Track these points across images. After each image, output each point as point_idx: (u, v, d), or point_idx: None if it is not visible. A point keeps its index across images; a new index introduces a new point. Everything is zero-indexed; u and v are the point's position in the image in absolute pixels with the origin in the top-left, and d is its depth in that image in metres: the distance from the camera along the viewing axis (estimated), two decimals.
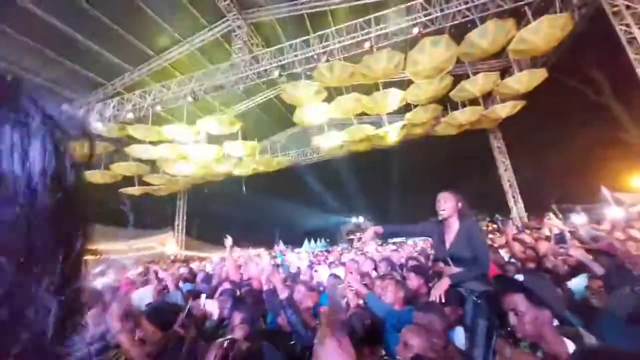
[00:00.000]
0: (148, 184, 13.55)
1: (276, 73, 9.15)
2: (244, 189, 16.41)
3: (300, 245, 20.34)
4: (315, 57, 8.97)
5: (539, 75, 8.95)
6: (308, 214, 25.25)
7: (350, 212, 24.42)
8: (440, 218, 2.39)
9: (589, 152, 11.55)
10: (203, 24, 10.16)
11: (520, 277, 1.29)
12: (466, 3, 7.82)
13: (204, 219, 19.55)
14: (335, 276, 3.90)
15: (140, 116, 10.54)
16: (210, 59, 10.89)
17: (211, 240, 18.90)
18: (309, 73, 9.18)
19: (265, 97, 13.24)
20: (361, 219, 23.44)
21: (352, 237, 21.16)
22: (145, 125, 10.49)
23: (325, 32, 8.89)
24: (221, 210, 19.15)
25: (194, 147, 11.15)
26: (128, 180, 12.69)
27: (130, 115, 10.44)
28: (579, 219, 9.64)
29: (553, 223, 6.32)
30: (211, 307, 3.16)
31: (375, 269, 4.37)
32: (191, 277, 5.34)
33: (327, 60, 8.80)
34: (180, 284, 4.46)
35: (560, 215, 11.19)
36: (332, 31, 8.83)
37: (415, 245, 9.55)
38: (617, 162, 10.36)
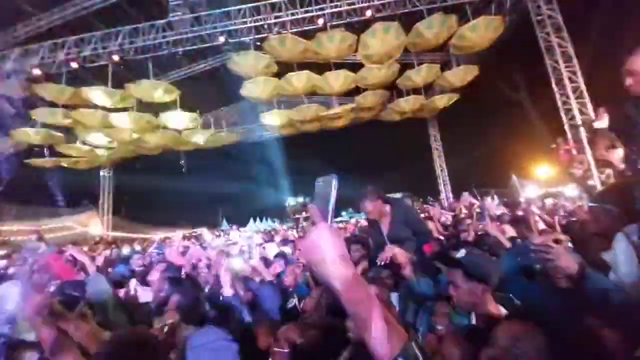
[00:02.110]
0: (63, 156, 11.62)
1: (222, 39, 8.39)
2: (184, 164, 15.18)
3: (245, 224, 19.90)
4: (265, 27, 8.42)
5: (472, 71, 9.86)
6: (254, 193, 24.67)
7: (297, 191, 24.56)
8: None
9: (506, 144, 13.33)
10: None
11: (462, 252, 1.41)
12: None
13: (135, 197, 17.68)
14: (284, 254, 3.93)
15: (50, 73, 8.80)
16: (143, 13, 9.44)
17: (144, 220, 17.27)
18: (258, 44, 8.61)
19: (209, 65, 12.11)
20: (307, 199, 23.78)
21: (298, 216, 21.42)
22: (58, 84, 8.81)
23: (277, 1, 8.35)
24: (156, 188, 17.50)
25: (120, 115, 9.74)
26: (37, 151, 10.71)
27: (37, 72, 8.63)
28: (493, 201, 11.19)
29: (466, 200, 7.25)
30: (144, 291, 2.90)
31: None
32: (119, 260, 4.84)
33: (279, 32, 8.35)
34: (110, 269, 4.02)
35: (479, 198, 12.86)
36: (284, 1, 8.33)
37: (358, 223, 10.08)
38: (526, 154, 12.18)
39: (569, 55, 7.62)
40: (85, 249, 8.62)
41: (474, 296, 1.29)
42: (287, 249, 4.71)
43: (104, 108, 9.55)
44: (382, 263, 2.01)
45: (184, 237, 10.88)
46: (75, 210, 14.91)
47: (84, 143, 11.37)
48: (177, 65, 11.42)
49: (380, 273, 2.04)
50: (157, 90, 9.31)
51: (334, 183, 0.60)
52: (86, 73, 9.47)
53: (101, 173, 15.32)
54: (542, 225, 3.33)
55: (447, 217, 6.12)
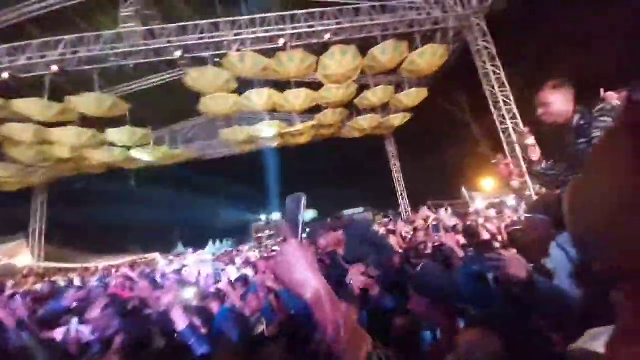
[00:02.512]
0: None
1: (178, 54, 8.13)
2: (134, 184, 14.04)
3: (203, 246, 18.73)
4: (225, 43, 8.36)
5: (422, 93, 10.72)
6: (213, 213, 23.51)
7: (259, 210, 23.92)
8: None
9: (455, 160, 14.51)
10: None
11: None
12: (371, 20, 8.63)
13: (75, 222, 15.79)
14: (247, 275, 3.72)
15: None
16: (90, 22, 8.83)
17: (85, 247, 15.37)
18: (217, 60, 8.49)
19: (163, 80, 11.57)
20: (272, 216, 23.28)
21: (260, 235, 20.76)
22: None
23: (237, 19, 8.38)
24: (100, 210, 15.85)
25: (58, 130, 8.78)
26: None
27: None
28: (447, 213, 11.95)
29: (423, 214, 7.67)
30: (86, 330, 2.53)
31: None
32: (53, 295, 4.22)
33: (239, 50, 8.33)
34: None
35: (434, 210, 13.66)
36: (245, 20, 8.39)
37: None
38: (473, 168, 13.35)
39: (502, 81, 8.65)
40: (11, 283, 7.42)
41: (426, 307, 1.32)
42: (249, 272, 4.50)
43: (39, 122, 8.57)
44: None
45: (133, 265, 9.90)
46: (3, 239, 12.84)
47: (14, 161, 10.01)
48: (127, 78, 10.76)
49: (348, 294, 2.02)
50: (103, 104, 8.63)
51: (303, 201, 0.64)
52: (20, 85, 8.49)
53: (33, 195, 13.53)
54: (487, 235, 3.58)
55: (408, 231, 6.36)
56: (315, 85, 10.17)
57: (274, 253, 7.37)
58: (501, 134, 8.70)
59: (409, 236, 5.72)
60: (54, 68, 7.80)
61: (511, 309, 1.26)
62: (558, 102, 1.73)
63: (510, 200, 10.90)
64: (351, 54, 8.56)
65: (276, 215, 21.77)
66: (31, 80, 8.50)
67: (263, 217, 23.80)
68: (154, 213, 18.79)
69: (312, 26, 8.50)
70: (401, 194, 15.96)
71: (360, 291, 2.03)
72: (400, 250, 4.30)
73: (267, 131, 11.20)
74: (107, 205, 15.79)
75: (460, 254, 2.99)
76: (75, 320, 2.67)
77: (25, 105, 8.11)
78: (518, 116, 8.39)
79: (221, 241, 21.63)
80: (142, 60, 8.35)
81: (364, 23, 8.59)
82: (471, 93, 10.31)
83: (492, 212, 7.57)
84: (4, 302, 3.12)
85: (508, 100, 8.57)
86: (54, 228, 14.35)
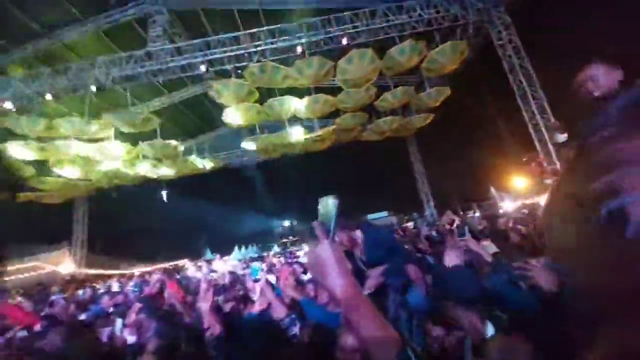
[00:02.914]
0: (33, 190, 11.05)
1: (203, 68, 8.52)
2: (165, 194, 14.76)
3: (229, 252, 19.23)
4: (246, 55, 8.65)
5: (444, 92, 10.44)
6: (238, 219, 24.11)
7: (283, 215, 24.23)
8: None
9: (482, 159, 13.90)
10: (110, 1, 8.79)
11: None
12: (388, 22, 8.58)
13: (111, 231, 16.80)
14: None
15: (22, 105, 8.56)
16: (121, 44, 9.50)
17: (120, 255, 16.29)
18: (239, 72, 8.80)
19: (190, 94, 12.17)
20: (294, 222, 23.50)
21: (284, 240, 21.00)
22: (31, 116, 8.56)
23: (256, 31, 8.66)
24: (134, 220, 16.76)
25: (98, 146, 9.48)
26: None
27: (8, 105, 8.38)
28: (474, 215, 11.47)
29: (448, 217, 7.40)
30: (128, 333, 2.68)
31: (305, 272, 4.37)
32: (90, 300, 4.51)
33: (259, 61, 8.59)
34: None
35: (461, 212, 13.16)
36: (264, 31, 8.65)
37: None
38: (501, 167, 12.72)
39: (530, 75, 8.24)
40: (56, 289, 8.03)
41: (457, 314, 1.28)
42: (272, 278, 4.56)
43: (80, 139, 9.30)
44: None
45: (165, 270, 10.34)
46: (49, 247, 13.96)
47: (58, 176, 10.90)
48: (157, 94, 11.42)
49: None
50: (137, 118, 9.20)
51: (336, 203, 0.67)
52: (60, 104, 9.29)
53: (75, 207, 14.60)
54: (516, 238, 3.41)
55: (432, 235, 6.18)
56: (335, 90, 10.24)
57: (296, 259, 7.43)
58: (531, 131, 8.26)
59: (434, 240, 5.56)
60: (93, 88, 8.43)
61: (543, 315, 1.21)
62: (605, 76, 1.61)
63: (543, 200, 10.29)
64: (369, 56, 8.54)
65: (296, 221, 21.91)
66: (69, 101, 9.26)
67: (286, 222, 24.07)
68: (182, 221, 19.59)
69: (328, 32, 8.60)
70: (425, 197, 15.54)
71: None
72: (425, 255, 4.20)
73: (288, 138, 11.38)
74: (141, 214, 16.68)
75: (488, 259, 2.87)
76: (119, 321, 2.84)
77: (67, 124, 8.84)
78: (549, 111, 7.94)
79: (246, 247, 22.12)
80: (171, 77, 8.82)
81: (381, 25, 8.56)
82: (496, 89, 9.87)
83: (523, 213, 7.19)
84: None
85: (537, 95, 8.15)
86: (94, 237, 15.37)
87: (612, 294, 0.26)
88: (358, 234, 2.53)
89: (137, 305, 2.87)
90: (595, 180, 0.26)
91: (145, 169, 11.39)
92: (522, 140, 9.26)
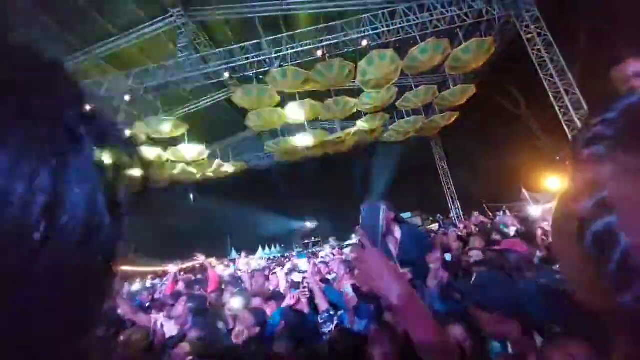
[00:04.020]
0: None
1: (226, 75, 8.83)
2: (192, 196, 15.40)
3: (254, 252, 19.68)
4: (267, 61, 8.87)
5: (470, 90, 10.08)
6: (262, 220, 24.63)
7: (305, 216, 24.44)
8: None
9: (511, 158, 13.26)
10: (142, 18, 9.35)
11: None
12: (408, 21, 8.46)
13: (144, 231, 17.70)
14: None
15: None
16: (151, 56, 10.06)
17: (153, 254, 17.14)
18: (261, 77, 9.03)
19: (214, 100, 12.64)
20: (315, 224, 23.63)
21: (307, 241, 21.16)
22: None
23: (277, 37, 8.85)
24: (162, 220, 17.63)
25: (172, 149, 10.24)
26: None
27: None
28: (504, 215, 10.94)
29: (477, 219, 7.13)
30: (168, 325, 2.84)
31: (329, 272, 4.42)
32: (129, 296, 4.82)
33: (280, 65, 8.77)
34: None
35: (490, 214, 12.61)
36: (284, 37, 8.83)
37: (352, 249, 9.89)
38: (533, 166, 12.07)
39: (562, 68, 7.77)
40: None
41: (494, 324, 1.24)
42: (297, 277, 4.64)
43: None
44: None
45: (192, 269, 10.78)
46: None
47: None
48: (184, 101, 11.96)
49: None
50: (166, 125, 9.71)
51: (383, 209, 0.65)
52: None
53: None
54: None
55: (460, 237, 6.00)
56: (355, 92, 10.22)
57: (321, 259, 7.47)
58: (565, 127, 7.79)
59: (461, 243, 5.40)
60: (126, 98, 9.00)
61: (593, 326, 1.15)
62: None
63: None
64: (389, 57, 8.45)
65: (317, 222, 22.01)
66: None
67: (308, 223, 24.25)
68: (208, 222, 20.32)
69: (348, 34, 8.61)
70: (451, 198, 15.07)
71: None
72: (451, 258, 4.09)
73: (309, 141, 11.49)
74: (170, 215, 17.52)
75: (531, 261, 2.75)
76: (162, 314, 3.01)
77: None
78: (585, 105, 7.46)
79: (269, 247, 22.54)
80: (197, 84, 9.22)
81: (401, 25, 8.45)
82: (526, 85, 9.38)
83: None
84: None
85: (571, 89, 7.67)
86: (129, 237, 16.27)
87: (606, 317, 0.26)
88: (397, 227, 2.48)
89: (183, 298, 3.02)
90: (585, 197, 0.25)
91: (174, 173, 11.97)
92: (555, 137, 8.74)
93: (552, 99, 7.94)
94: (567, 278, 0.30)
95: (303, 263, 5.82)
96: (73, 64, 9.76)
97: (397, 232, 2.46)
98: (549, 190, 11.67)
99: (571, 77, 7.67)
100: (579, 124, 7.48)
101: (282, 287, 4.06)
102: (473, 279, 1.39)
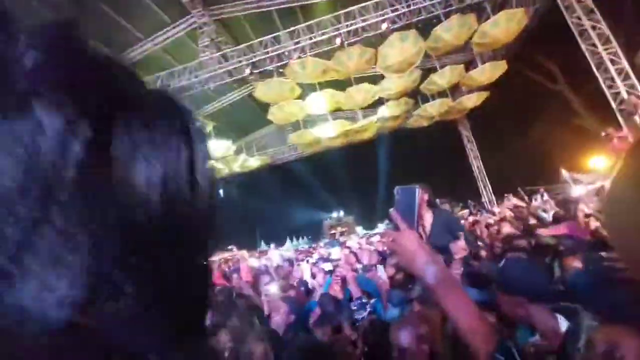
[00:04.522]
0: None
1: (247, 71, 8.97)
2: (222, 190, 15.99)
3: (282, 243, 20.18)
4: (286, 53, 8.88)
5: (500, 67, 9.45)
6: (289, 212, 25.10)
7: (331, 207, 24.58)
8: None
9: (548, 138, 12.36)
10: (166, 21, 9.68)
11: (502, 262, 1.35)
12: None
13: None
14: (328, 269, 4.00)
15: None
16: (175, 58, 10.42)
17: None
18: (281, 70, 9.07)
19: (237, 96, 12.92)
20: (342, 213, 23.68)
21: (333, 231, 21.32)
22: None
23: (295, 29, 8.81)
24: None
25: None
26: None
27: None
28: (542, 200, 10.31)
29: (510, 202, 6.79)
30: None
31: (358, 261, 4.47)
32: None
33: (299, 57, 8.75)
34: None
35: (526, 198, 11.93)
36: (302, 27, 8.76)
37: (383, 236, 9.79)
38: (573, 145, 11.20)
39: (607, 36, 7.06)
40: None
41: (518, 308, 1.23)
42: (328, 266, 4.73)
43: None
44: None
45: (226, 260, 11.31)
46: None
47: None
48: (209, 99, 12.33)
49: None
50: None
51: (418, 192, 0.66)
52: None
53: None
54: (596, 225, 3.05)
55: (492, 222, 5.77)
56: (377, 78, 9.97)
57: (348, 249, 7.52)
58: (611, 101, 7.13)
59: (494, 228, 5.21)
60: None
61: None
62: None
63: None
64: (411, 38, 8.12)
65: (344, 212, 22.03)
66: None
67: (334, 214, 24.38)
68: (237, 215, 21.07)
69: (366, 19, 8.36)
70: (482, 182, 14.43)
71: None
72: (484, 244, 3.98)
73: (332, 131, 11.45)
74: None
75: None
76: None
77: None
78: (633, 76, 6.76)
79: (297, 238, 22.98)
80: (220, 83, 9.47)
81: (424, 4, 8.05)
82: (562, 57, 8.63)
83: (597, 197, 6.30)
84: None
85: (617, 59, 6.96)
86: None
87: None
88: (430, 212, 2.46)
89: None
90: None
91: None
92: (599, 112, 8.02)
93: (595, 70, 7.27)
94: (625, 260, 0.29)
95: (336, 251, 5.92)
96: None
97: (428, 217, 2.43)
98: (593, 169, 10.82)
99: (616, 45, 6.95)
100: (625, 95, 6.82)
101: (308, 278, 4.17)
102: (501, 264, 1.36)
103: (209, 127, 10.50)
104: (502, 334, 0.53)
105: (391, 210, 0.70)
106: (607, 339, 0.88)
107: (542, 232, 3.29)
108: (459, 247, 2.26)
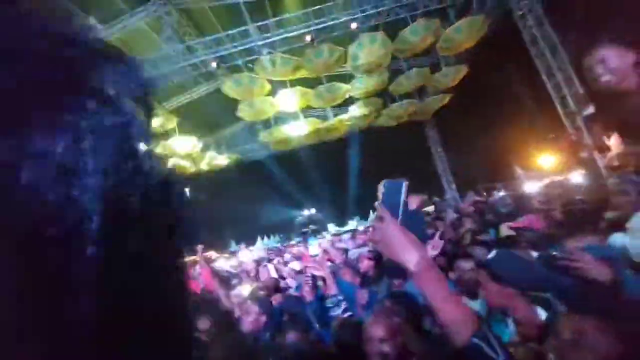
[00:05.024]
0: None
1: (214, 65, 8.62)
2: (188, 190, 15.29)
3: (253, 243, 19.76)
4: (256, 48, 8.64)
5: (462, 70, 9.99)
6: (260, 211, 24.64)
7: (302, 205, 24.51)
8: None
9: (506, 137, 13.24)
10: (123, 9, 8.99)
11: (493, 253, 1.40)
12: (398, 2, 8.24)
13: None
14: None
15: None
16: (135, 49, 9.73)
17: None
18: (250, 65, 8.83)
19: (204, 91, 12.36)
20: (313, 211, 23.72)
21: (305, 230, 21.30)
22: None
23: (265, 23, 8.60)
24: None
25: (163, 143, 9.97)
26: None
27: None
28: (499, 194, 11.06)
29: (471, 199, 7.20)
30: None
31: (330, 260, 4.47)
32: None
33: (269, 53, 8.56)
34: None
35: (485, 194, 12.74)
36: (271, 22, 8.57)
37: (367, 232, 9.96)
38: (528, 144, 12.11)
39: (555, 45, 7.69)
40: None
41: (504, 297, 1.28)
42: (296, 265, 4.70)
43: None
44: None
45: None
46: None
47: None
48: (173, 93, 11.69)
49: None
50: (156, 119, 9.52)
51: (404, 186, 0.68)
52: None
53: None
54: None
55: (454, 218, 6.06)
56: (347, 77, 10.05)
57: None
58: (557, 105, 7.79)
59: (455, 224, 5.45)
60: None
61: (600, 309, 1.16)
62: (617, 58, 1.33)
63: (576, 176, 9.71)
64: (380, 40, 8.29)
65: (315, 210, 22.12)
66: None
67: (306, 212, 24.35)
68: (207, 215, 20.25)
69: (336, 18, 8.38)
70: (447, 180, 15.17)
71: None
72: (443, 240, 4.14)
73: (303, 129, 11.39)
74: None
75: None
76: None
77: None
78: (577, 82, 7.43)
79: (269, 237, 22.66)
80: (184, 76, 9.00)
81: (390, 6, 8.24)
82: (519, 63, 9.28)
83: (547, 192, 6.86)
84: None
85: (564, 66, 7.61)
86: None
87: None
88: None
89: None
90: None
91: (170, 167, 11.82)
92: (550, 115, 8.73)
93: (543, 76, 7.90)
94: None
95: (314, 248, 5.87)
96: None
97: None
98: (542, 167, 11.80)
99: (564, 54, 7.59)
100: (571, 101, 7.48)
101: (277, 278, 4.11)
102: (492, 255, 1.41)
103: (173, 123, 9.96)
104: (479, 320, 0.54)
105: (376, 203, 0.70)
106: (572, 327, 0.91)
107: (503, 225, 3.50)
108: (435, 244, 2.33)
